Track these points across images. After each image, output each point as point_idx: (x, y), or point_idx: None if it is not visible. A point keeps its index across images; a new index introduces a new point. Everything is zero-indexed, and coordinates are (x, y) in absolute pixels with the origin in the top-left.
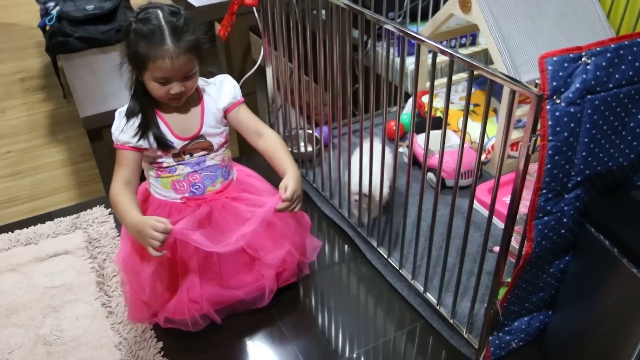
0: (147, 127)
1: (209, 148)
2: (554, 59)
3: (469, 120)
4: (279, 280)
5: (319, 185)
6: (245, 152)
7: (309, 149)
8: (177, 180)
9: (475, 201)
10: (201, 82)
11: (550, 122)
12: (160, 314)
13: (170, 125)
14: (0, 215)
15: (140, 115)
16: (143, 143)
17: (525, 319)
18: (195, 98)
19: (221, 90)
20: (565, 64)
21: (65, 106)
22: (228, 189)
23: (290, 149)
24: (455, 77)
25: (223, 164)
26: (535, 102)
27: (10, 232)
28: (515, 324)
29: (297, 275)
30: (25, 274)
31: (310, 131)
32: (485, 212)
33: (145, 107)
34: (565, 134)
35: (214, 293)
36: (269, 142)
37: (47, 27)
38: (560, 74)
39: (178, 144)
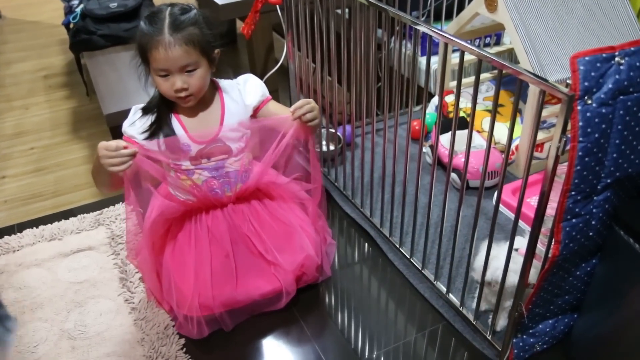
0: (158, 127)
1: (228, 152)
2: (587, 58)
3: None
4: (299, 283)
5: (341, 184)
6: None
7: (331, 147)
8: (195, 184)
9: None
10: (223, 83)
11: (581, 123)
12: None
13: (187, 127)
14: (24, 211)
15: (154, 115)
16: (149, 144)
17: (550, 321)
18: (215, 100)
19: (247, 89)
20: (598, 64)
21: (88, 104)
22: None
23: None
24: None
25: (243, 169)
26: (566, 103)
27: (35, 228)
28: (540, 326)
29: (318, 278)
30: (49, 269)
31: (333, 130)
32: (509, 213)
33: (162, 107)
34: (596, 135)
35: (227, 296)
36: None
37: (71, 25)
38: (593, 74)
39: (194, 147)
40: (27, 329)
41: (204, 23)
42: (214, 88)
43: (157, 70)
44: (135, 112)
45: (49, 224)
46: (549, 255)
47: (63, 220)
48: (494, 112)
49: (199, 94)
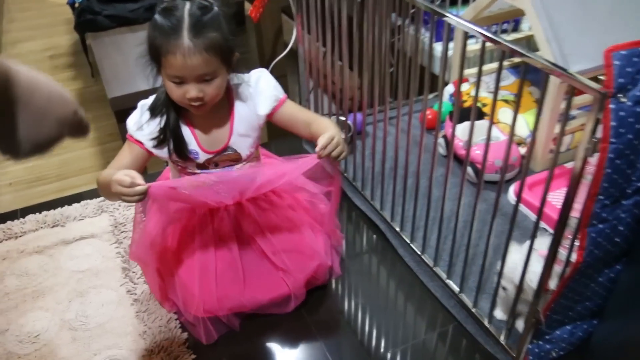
0: (168, 135)
1: (238, 159)
2: (623, 52)
3: (510, 111)
4: (308, 286)
5: (351, 175)
6: (274, 137)
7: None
8: (202, 187)
9: (514, 197)
10: (234, 81)
11: (613, 123)
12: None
13: (198, 135)
14: (28, 194)
15: (163, 119)
16: (158, 152)
17: (568, 327)
18: (225, 104)
19: (258, 94)
20: (635, 59)
21: (93, 85)
22: (251, 189)
23: None
24: (495, 65)
25: (252, 169)
26: (598, 101)
27: (38, 213)
28: (557, 332)
29: (328, 279)
30: (52, 256)
31: (343, 118)
32: (525, 210)
33: (171, 110)
34: (629, 136)
35: (233, 300)
36: (317, 125)
37: (76, 5)
38: (628, 69)
39: (203, 156)
40: (27, 318)
41: (225, 22)
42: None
43: (170, 76)
44: (143, 112)
45: (52, 210)
46: (571, 260)
47: (66, 206)
48: (517, 106)
49: (213, 102)
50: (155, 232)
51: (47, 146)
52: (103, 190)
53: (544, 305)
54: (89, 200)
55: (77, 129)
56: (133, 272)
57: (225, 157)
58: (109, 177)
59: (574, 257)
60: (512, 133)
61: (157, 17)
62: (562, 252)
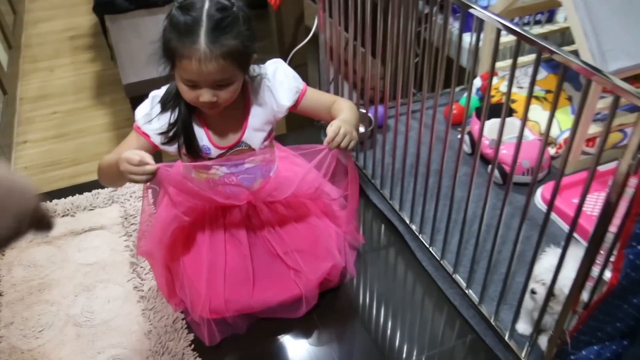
0: (178, 132)
1: (251, 154)
2: None
3: (540, 109)
4: (321, 288)
5: (370, 172)
6: (292, 128)
7: (361, 129)
8: (212, 179)
9: (540, 201)
10: (250, 74)
11: None
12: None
13: (210, 130)
14: (42, 179)
15: (174, 114)
16: (166, 147)
17: (595, 347)
18: (239, 98)
19: (278, 85)
20: None
21: (112, 67)
22: (265, 188)
23: None
24: (526, 58)
25: (264, 162)
26: None
27: (48, 202)
28: (583, 352)
29: (340, 281)
30: (60, 247)
31: (364, 110)
32: (553, 215)
33: (183, 105)
34: None
35: (241, 302)
36: (335, 108)
37: None
38: None
39: (215, 152)
40: (33, 311)
41: (245, 25)
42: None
43: (184, 79)
44: (153, 105)
45: (63, 199)
46: (603, 278)
47: (77, 194)
48: (553, 107)
49: (226, 104)
50: (166, 227)
51: (3, 242)
52: (105, 174)
53: (570, 324)
54: (100, 190)
55: (39, 225)
56: (141, 267)
57: (237, 152)
58: (114, 159)
59: (607, 274)
60: (547, 134)
61: (174, 12)
62: (594, 269)
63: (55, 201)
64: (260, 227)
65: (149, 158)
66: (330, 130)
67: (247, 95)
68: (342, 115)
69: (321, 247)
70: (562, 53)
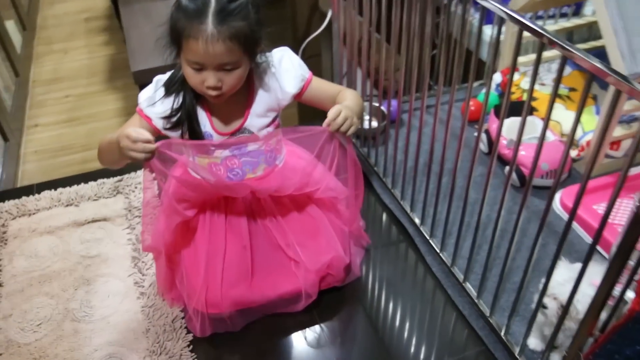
0: (182, 118)
1: (255, 140)
2: None
3: (562, 108)
4: (321, 284)
5: (381, 170)
6: (305, 120)
7: (374, 124)
8: (214, 162)
9: (559, 206)
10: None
11: None
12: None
13: (213, 116)
14: (52, 164)
15: (178, 99)
16: (170, 133)
17: None
18: (244, 85)
19: (283, 72)
20: None
21: (125, 51)
22: (269, 177)
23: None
24: (550, 53)
25: (268, 148)
26: None
27: (53, 190)
28: None
29: (344, 279)
30: (62, 238)
31: (377, 104)
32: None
33: (188, 90)
34: None
35: (239, 294)
36: (340, 97)
37: None
38: None
39: (217, 138)
40: (32, 304)
41: (254, 11)
42: None
43: (189, 61)
44: (157, 88)
45: (68, 187)
46: (624, 299)
47: (82, 183)
48: (580, 110)
49: (231, 92)
50: (169, 221)
51: None
52: (105, 152)
53: (585, 346)
54: (105, 179)
55: None
56: (143, 262)
57: (241, 139)
58: (114, 137)
59: (628, 294)
60: (571, 137)
61: None
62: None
63: (60, 189)
64: (262, 216)
65: (148, 135)
66: (331, 112)
67: (252, 81)
68: (345, 102)
69: (322, 240)
70: (590, 59)
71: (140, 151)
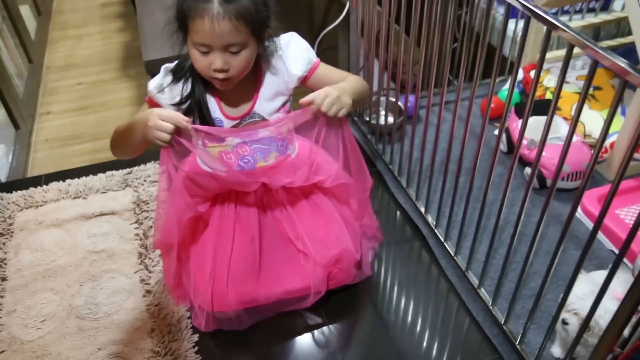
0: (192, 106)
1: (265, 126)
2: None
3: (586, 107)
4: (331, 281)
5: (396, 168)
6: None
7: (390, 120)
8: (225, 151)
9: (579, 209)
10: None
11: None
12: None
13: (221, 101)
14: (62, 153)
15: (187, 85)
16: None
17: None
18: (252, 69)
19: (290, 55)
20: None
21: (140, 39)
22: (281, 166)
23: (367, 119)
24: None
25: (279, 136)
26: None
27: (61, 181)
28: None
29: (355, 277)
30: (69, 231)
31: (393, 99)
32: (587, 221)
33: (196, 78)
34: None
35: (246, 293)
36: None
37: None
38: None
39: (227, 123)
40: (36, 299)
41: None
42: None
43: (196, 43)
44: (165, 74)
45: (76, 179)
46: None
47: (91, 175)
48: (609, 118)
49: (238, 77)
50: (180, 217)
51: None
52: (122, 137)
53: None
54: (114, 172)
55: None
56: (149, 258)
57: (250, 124)
58: (136, 119)
59: None
60: (602, 139)
61: None
62: None
63: (68, 181)
64: (273, 207)
65: (181, 115)
66: (314, 93)
67: (259, 65)
68: (341, 83)
69: (332, 232)
70: (619, 62)
71: (162, 130)
